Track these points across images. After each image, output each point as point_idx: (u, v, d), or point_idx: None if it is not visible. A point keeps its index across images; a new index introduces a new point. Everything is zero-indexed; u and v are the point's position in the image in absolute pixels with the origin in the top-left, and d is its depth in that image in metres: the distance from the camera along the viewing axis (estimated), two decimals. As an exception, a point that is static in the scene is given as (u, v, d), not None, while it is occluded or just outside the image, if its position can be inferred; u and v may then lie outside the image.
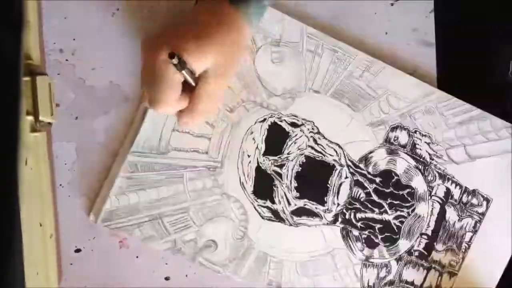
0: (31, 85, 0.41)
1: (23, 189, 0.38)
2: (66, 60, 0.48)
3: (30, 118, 0.41)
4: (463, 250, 0.54)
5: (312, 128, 0.51)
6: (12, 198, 0.36)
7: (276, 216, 0.51)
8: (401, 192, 0.52)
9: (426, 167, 0.52)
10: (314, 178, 0.51)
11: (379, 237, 0.52)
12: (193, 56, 0.41)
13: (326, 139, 0.51)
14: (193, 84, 0.43)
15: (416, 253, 0.53)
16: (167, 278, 0.50)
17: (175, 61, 0.39)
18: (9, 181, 0.36)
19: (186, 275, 0.50)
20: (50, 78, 0.45)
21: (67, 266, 0.49)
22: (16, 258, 0.37)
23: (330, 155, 0.51)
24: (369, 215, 0.52)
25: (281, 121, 0.51)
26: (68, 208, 0.49)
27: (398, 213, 0.52)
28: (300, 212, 0.51)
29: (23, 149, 0.39)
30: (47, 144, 0.46)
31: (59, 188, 0.49)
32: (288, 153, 0.51)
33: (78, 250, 0.49)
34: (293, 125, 0.51)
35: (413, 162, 0.52)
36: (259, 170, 0.51)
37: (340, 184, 0.52)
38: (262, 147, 0.51)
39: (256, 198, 0.51)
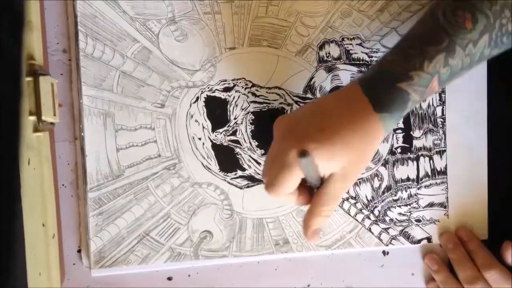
0: (34, 85, 0.41)
1: (26, 189, 0.38)
2: (69, 60, 0.48)
3: (33, 118, 0.41)
4: (441, 125, 0.53)
5: (246, 84, 0.50)
6: (14, 198, 0.36)
7: (252, 180, 0.50)
8: (357, 102, 0.51)
9: (369, 67, 0.51)
10: (270, 129, 0.50)
11: (357, 152, 0.52)
12: (325, 159, 0.40)
13: (263, 87, 0.50)
14: (316, 185, 0.42)
15: (399, 150, 0.52)
16: (169, 278, 0.50)
17: (307, 160, 0.38)
18: (10, 181, 0.36)
19: (189, 275, 0.50)
20: (53, 79, 0.45)
21: (70, 266, 0.49)
22: (18, 258, 0.37)
23: (274, 100, 0.50)
24: (338, 137, 0.51)
25: (213, 92, 0.50)
26: (70, 208, 0.49)
27: (364, 121, 0.51)
28: (272, 166, 0.51)
29: (26, 149, 0.40)
30: (49, 144, 0.46)
31: (61, 188, 0.49)
32: (234, 118, 0.50)
33: (80, 250, 0.49)
34: (226, 90, 0.50)
35: (355, 68, 0.51)
36: (215, 147, 0.50)
37: (297, 122, 0.51)
38: (208, 124, 0.50)
39: (226, 173, 0.50)
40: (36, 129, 0.42)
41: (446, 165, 0.53)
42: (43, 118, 0.42)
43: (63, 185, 0.49)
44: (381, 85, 0.41)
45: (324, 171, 0.41)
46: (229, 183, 0.50)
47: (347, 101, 0.42)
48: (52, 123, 0.46)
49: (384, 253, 0.53)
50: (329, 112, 0.42)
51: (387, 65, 0.42)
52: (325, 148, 0.39)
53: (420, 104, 0.52)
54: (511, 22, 0.41)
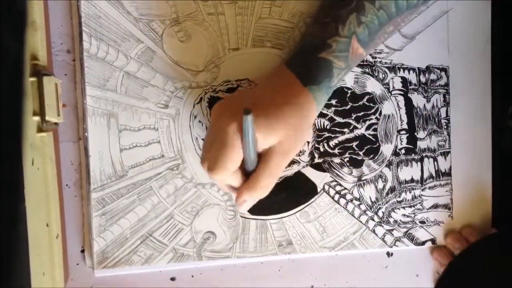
0: (38, 85, 0.41)
1: (30, 189, 0.38)
2: (73, 60, 0.48)
3: (37, 118, 0.41)
4: (445, 126, 0.53)
5: (249, 85, 0.50)
6: (17, 198, 0.36)
7: (256, 181, 0.50)
8: (361, 102, 0.51)
9: (373, 67, 0.51)
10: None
11: (361, 153, 0.52)
12: (262, 133, 0.40)
13: (267, 88, 0.50)
14: (252, 166, 0.42)
15: (403, 151, 0.52)
16: (172, 279, 0.50)
17: (249, 118, 0.37)
18: (14, 181, 0.36)
19: (192, 276, 0.50)
20: (57, 79, 0.45)
21: (74, 266, 0.49)
22: (21, 258, 0.37)
23: (278, 101, 0.50)
24: (341, 138, 0.51)
25: (216, 92, 0.50)
26: (74, 209, 0.49)
27: (368, 122, 0.51)
28: (276, 167, 0.50)
29: (30, 149, 0.40)
30: (53, 144, 0.46)
31: (65, 188, 0.49)
32: (238, 119, 0.50)
33: (84, 251, 0.49)
34: (230, 90, 0.50)
35: (358, 69, 0.51)
36: (219, 147, 0.50)
37: (301, 123, 0.50)
38: (211, 125, 0.49)
39: (229, 174, 0.50)
40: (40, 129, 0.42)
41: (450, 166, 0.53)
42: (47, 118, 0.42)
43: (67, 185, 0.49)
44: (304, 59, 0.42)
45: (262, 145, 0.41)
46: (232, 183, 0.50)
47: (276, 80, 0.43)
48: (56, 123, 0.46)
49: (388, 254, 0.53)
50: (261, 91, 0.43)
51: (306, 38, 0.43)
52: (261, 119, 0.39)
53: (424, 105, 0.52)
54: None
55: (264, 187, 0.42)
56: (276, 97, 0.42)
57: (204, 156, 0.42)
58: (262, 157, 0.42)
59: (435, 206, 0.53)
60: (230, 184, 0.43)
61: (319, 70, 0.42)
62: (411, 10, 0.43)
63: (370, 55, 0.51)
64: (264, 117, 0.40)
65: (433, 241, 0.53)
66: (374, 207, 0.52)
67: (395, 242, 0.52)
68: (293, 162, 0.51)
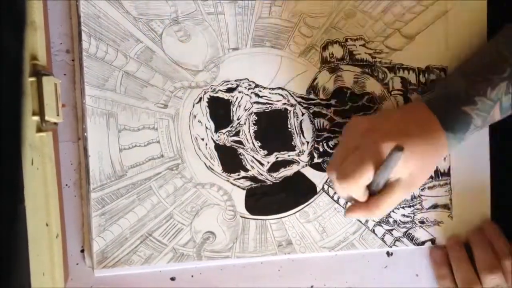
0: (37, 85, 0.41)
1: (29, 189, 0.38)
2: (72, 60, 0.48)
3: (36, 118, 0.41)
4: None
5: (249, 85, 0.50)
6: (17, 198, 0.36)
7: (256, 181, 0.50)
8: (360, 103, 0.51)
9: (373, 67, 0.51)
10: (273, 129, 0.50)
11: (360, 153, 0.52)
12: (401, 162, 0.41)
13: (266, 88, 0.50)
14: (377, 189, 0.43)
15: (402, 151, 0.52)
16: (172, 279, 0.50)
17: (398, 155, 0.40)
18: (13, 181, 0.36)
19: (192, 276, 0.50)
20: (56, 79, 0.45)
21: (74, 266, 0.49)
22: (21, 258, 0.37)
23: (277, 101, 0.50)
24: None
25: (216, 92, 0.49)
26: (74, 208, 0.49)
27: (367, 122, 0.51)
28: (276, 167, 0.50)
29: (29, 149, 0.40)
30: (53, 144, 0.46)
31: (65, 188, 0.49)
32: (238, 119, 0.50)
33: (84, 250, 0.49)
34: (230, 90, 0.50)
35: (358, 69, 0.51)
36: (218, 147, 0.50)
37: (300, 123, 0.50)
38: (211, 125, 0.49)
39: (229, 174, 0.50)
40: (39, 129, 0.42)
41: (449, 166, 0.53)
42: (46, 118, 0.42)
43: (66, 185, 0.49)
44: (448, 106, 0.45)
45: (395, 174, 0.43)
46: (232, 183, 0.50)
47: (418, 116, 0.45)
48: (55, 123, 0.46)
49: (388, 254, 0.53)
50: (404, 122, 0.45)
51: (452, 88, 0.45)
52: (406, 151, 0.41)
53: (424, 105, 0.52)
54: None
55: (380, 213, 0.44)
56: (418, 133, 0.44)
57: (336, 163, 0.44)
58: (388, 184, 0.43)
59: (435, 206, 0.53)
60: (351, 195, 0.44)
61: (460, 121, 0.44)
62: None
63: (370, 55, 0.51)
64: (409, 149, 0.42)
65: (432, 241, 0.53)
66: (373, 207, 0.52)
67: (394, 242, 0.52)
68: (292, 162, 0.51)
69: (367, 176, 0.41)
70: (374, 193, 0.44)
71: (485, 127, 0.49)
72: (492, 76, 0.44)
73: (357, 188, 0.42)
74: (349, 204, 0.46)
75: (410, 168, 0.43)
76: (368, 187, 0.43)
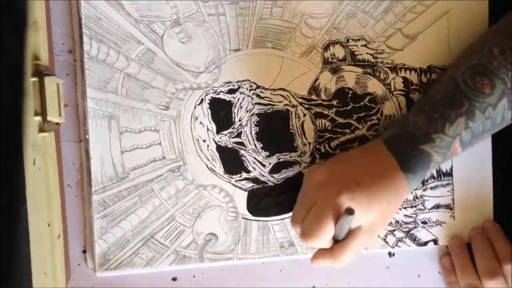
0: (39, 85, 0.41)
1: (31, 189, 0.38)
2: (74, 60, 0.48)
3: (38, 118, 0.41)
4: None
5: (250, 86, 0.50)
6: (18, 198, 0.36)
7: (258, 182, 0.50)
8: (362, 103, 0.51)
9: (375, 68, 0.51)
10: (275, 131, 0.50)
11: (362, 154, 0.51)
12: (360, 212, 0.42)
13: (268, 89, 0.50)
14: (341, 237, 0.43)
15: (404, 151, 0.52)
16: (174, 279, 0.50)
17: (350, 218, 0.40)
18: (15, 181, 0.36)
19: (194, 276, 0.50)
20: (58, 79, 0.45)
21: (75, 266, 0.49)
22: (23, 258, 0.37)
23: (279, 102, 0.50)
24: (343, 138, 0.51)
25: (217, 94, 0.49)
26: (76, 209, 0.49)
27: (369, 123, 0.51)
28: (277, 168, 0.50)
29: (31, 149, 0.40)
30: (55, 145, 0.46)
31: (67, 188, 0.48)
32: (239, 120, 0.50)
33: (85, 251, 0.49)
34: (231, 91, 0.50)
35: (360, 70, 0.51)
36: (220, 149, 0.50)
37: (302, 124, 0.50)
38: (213, 126, 0.49)
39: (230, 176, 0.50)
40: (41, 129, 0.42)
41: (451, 166, 0.53)
42: (49, 118, 0.42)
43: (68, 185, 0.48)
44: (406, 146, 0.44)
45: (355, 223, 0.42)
46: (234, 185, 0.50)
47: (377, 159, 0.44)
48: (57, 123, 0.46)
49: (390, 254, 0.53)
50: (363, 167, 0.44)
51: (410, 126, 0.45)
52: (361, 200, 0.42)
53: (426, 105, 0.52)
54: None
55: (345, 260, 0.44)
56: (376, 178, 0.43)
57: (298, 218, 0.44)
58: (350, 233, 0.43)
59: (437, 207, 0.52)
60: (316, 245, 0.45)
61: (419, 161, 0.44)
62: (509, 122, 0.45)
63: (372, 55, 0.51)
64: (366, 198, 0.42)
65: (435, 241, 0.53)
66: (375, 207, 0.52)
67: (397, 242, 0.52)
68: (294, 163, 0.51)
69: (327, 232, 0.42)
70: (338, 239, 0.44)
71: (447, 161, 0.49)
72: (449, 112, 0.43)
73: (320, 243, 0.43)
74: (314, 250, 0.46)
75: (370, 215, 0.43)
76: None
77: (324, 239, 0.42)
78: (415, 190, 0.52)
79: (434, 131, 0.43)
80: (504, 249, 0.50)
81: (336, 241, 0.44)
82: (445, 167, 0.53)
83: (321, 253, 0.45)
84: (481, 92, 0.43)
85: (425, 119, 0.44)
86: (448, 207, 0.53)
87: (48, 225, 0.43)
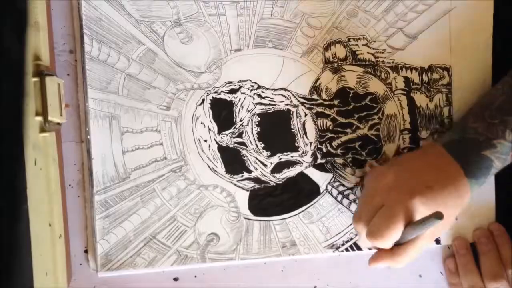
0: (40, 85, 0.41)
1: (32, 189, 0.38)
2: (75, 60, 0.48)
3: (39, 118, 0.41)
4: (448, 126, 0.52)
5: (252, 86, 0.50)
6: (19, 198, 0.36)
7: (259, 182, 0.50)
8: (363, 102, 0.51)
9: (376, 67, 0.51)
10: (276, 130, 0.50)
11: (364, 153, 0.51)
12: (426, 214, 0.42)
13: (269, 89, 0.50)
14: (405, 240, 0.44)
15: (405, 151, 0.52)
16: (176, 279, 0.50)
17: (437, 222, 0.40)
18: (15, 181, 0.36)
19: (195, 276, 0.50)
20: (60, 79, 0.45)
21: (77, 266, 0.49)
22: (24, 258, 0.37)
23: (280, 101, 0.50)
24: (344, 138, 0.51)
25: (218, 94, 0.49)
26: (77, 209, 0.49)
27: (370, 122, 0.51)
28: (279, 168, 0.50)
29: (32, 150, 0.40)
30: (56, 145, 0.46)
31: (68, 188, 0.48)
32: (240, 120, 0.50)
33: (87, 251, 0.49)
34: (232, 91, 0.50)
35: (361, 69, 0.51)
36: (221, 149, 0.50)
37: (303, 124, 0.50)
38: (214, 126, 0.49)
39: (232, 176, 0.50)
40: (42, 130, 0.42)
41: (453, 165, 0.52)
42: (50, 118, 0.42)
43: (70, 185, 0.49)
44: (468, 152, 0.44)
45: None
46: (235, 185, 0.50)
47: (441, 163, 0.45)
48: (58, 124, 0.46)
49: (392, 254, 0.53)
50: (430, 172, 0.44)
51: (470, 132, 0.45)
52: (432, 205, 0.42)
53: (427, 105, 0.52)
54: None
55: (403, 263, 0.44)
56: (445, 183, 0.43)
57: (364, 218, 0.44)
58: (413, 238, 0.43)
59: (439, 206, 0.52)
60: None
61: (481, 167, 0.44)
62: None
63: (373, 54, 0.51)
64: (435, 202, 0.42)
65: (437, 241, 0.53)
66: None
67: (398, 242, 0.52)
68: (295, 163, 0.50)
69: (396, 234, 0.42)
70: (399, 243, 0.44)
71: (505, 166, 0.48)
72: (509, 117, 0.44)
73: (386, 244, 0.43)
74: (373, 250, 0.46)
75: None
76: None
77: (391, 240, 0.42)
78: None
79: (495, 137, 0.44)
80: (508, 253, 0.50)
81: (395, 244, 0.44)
82: (446, 166, 0.52)
83: (381, 254, 0.45)
84: None
85: (486, 125, 0.45)
86: (450, 206, 0.53)
87: (49, 225, 0.43)
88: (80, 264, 0.49)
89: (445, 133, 0.50)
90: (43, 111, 0.41)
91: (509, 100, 0.45)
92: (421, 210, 0.42)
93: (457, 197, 0.44)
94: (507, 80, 0.47)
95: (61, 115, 0.45)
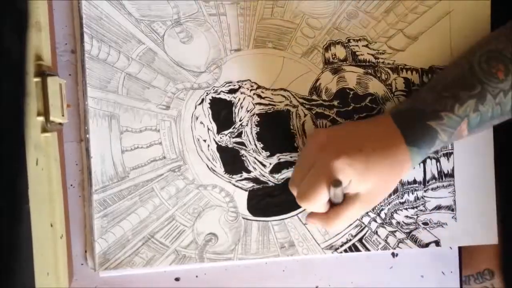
0: (42, 85, 0.41)
1: (34, 189, 0.38)
2: (77, 60, 0.48)
3: (41, 118, 0.41)
4: (448, 128, 0.52)
5: (251, 86, 0.50)
6: (20, 198, 0.36)
7: (258, 182, 0.50)
8: (363, 103, 0.51)
9: (376, 68, 0.51)
10: (275, 131, 0.50)
11: (363, 154, 0.51)
12: (357, 179, 0.42)
13: (269, 89, 0.50)
14: (338, 202, 0.44)
15: (405, 152, 0.52)
16: (177, 279, 0.50)
17: (339, 189, 0.41)
18: (17, 181, 0.36)
19: (196, 276, 0.50)
20: (61, 79, 0.45)
21: (78, 266, 0.49)
22: (25, 258, 0.37)
23: (280, 102, 0.50)
24: (344, 139, 0.51)
25: (218, 93, 0.49)
26: (79, 209, 0.49)
27: (370, 123, 0.51)
28: (278, 168, 0.50)
29: (34, 150, 0.40)
30: (58, 145, 0.46)
31: (70, 188, 0.48)
32: (240, 120, 0.50)
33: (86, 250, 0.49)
34: (232, 91, 0.50)
35: (361, 70, 0.51)
36: (221, 149, 0.49)
37: (303, 124, 0.50)
38: (213, 126, 0.49)
39: (231, 176, 0.50)
40: (44, 130, 0.42)
41: (453, 167, 0.52)
42: (51, 118, 0.42)
43: (71, 185, 0.49)
44: (413, 120, 0.44)
45: (352, 190, 0.43)
46: (234, 185, 0.50)
47: (382, 130, 0.45)
48: (60, 124, 0.46)
49: (393, 255, 0.53)
50: (366, 136, 0.44)
51: (419, 102, 0.45)
52: (359, 166, 0.42)
53: (427, 106, 0.52)
54: None
55: (338, 226, 0.45)
56: (378, 147, 0.43)
57: (296, 179, 0.45)
58: (347, 199, 0.44)
59: (438, 208, 0.52)
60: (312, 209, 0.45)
61: (425, 136, 0.44)
62: None
63: (373, 55, 0.51)
64: (364, 165, 0.42)
65: (437, 243, 0.52)
66: (376, 208, 0.52)
67: (398, 243, 0.52)
68: (294, 163, 0.50)
69: (322, 196, 0.42)
70: (335, 204, 0.44)
71: (452, 142, 0.49)
72: (461, 92, 0.43)
73: (315, 206, 0.43)
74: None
75: (368, 183, 0.43)
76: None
77: (318, 203, 0.43)
78: (416, 191, 0.52)
79: (443, 109, 0.44)
80: None
81: (333, 204, 0.44)
82: (446, 168, 0.52)
83: (316, 214, 0.45)
84: (495, 77, 0.43)
85: (436, 96, 0.44)
86: (450, 208, 0.52)
87: (51, 225, 0.43)
88: (82, 264, 0.49)
89: (398, 104, 0.50)
90: (45, 111, 0.42)
91: (464, 75, 0.44)
92: (347, 171, 0.41)
93: (395, 163, 0.43)
94: (464, 56, 0.46)
95: (62, 115, 0.45)
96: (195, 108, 0.49)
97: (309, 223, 0.46)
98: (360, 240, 0.51)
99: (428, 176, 0.52)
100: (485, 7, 0.51)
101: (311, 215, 0.46)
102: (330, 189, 0.41)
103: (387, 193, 0.46)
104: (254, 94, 0.50)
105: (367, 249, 0.52)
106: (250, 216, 0.50)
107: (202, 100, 0.49)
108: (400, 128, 0.44)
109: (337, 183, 0.40)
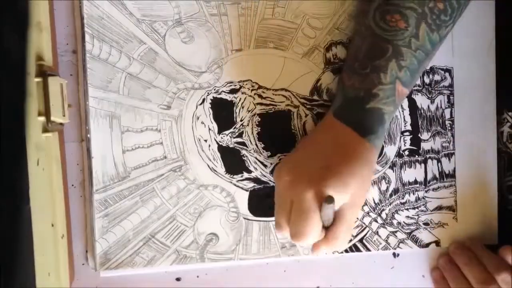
0: (43, 86, 0.41)
1: (35, 189, 0.38)
2: (78, 61, 0.48)
3: (42, 118, 0.41)
4: (449, 128, 0.52)
5: (252, 86, 0.50)
6: (21, 199, 0.36)
7: (259, 182, 0.50)
8: (364, 104, 0.51)
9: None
10: (276, 131, 0.50)
11: (364, 154, 0.51)
12: (338, 194, 0.41)
13: (270, 89, 0.50)
14: (329, 223, 0.43)
15: (406, 152, 0.52)
16: (178, 279, 0.50)
17: (332, 206, 0.40)
18: (18, 181, 0.36)
19: (197, 276, 0.50)
20: (62, 79, 0.45)
21: (79, 266, 0.49)
22: (25, 258, 0.37)
23: (281, 102, 0.50)
24: (345, 139, 0.51)
25: (219, 93, 0.49)
26: (80, 209, 0.49)
27: (371, 124, 0.51)
28: (279, 168, 0.50)
29: (35, 150, 0.40)
30: (59, 145, 0.46)
31: (71, 188, 0.48)
32: (241, 120, 0.50)
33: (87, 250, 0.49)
34: (233, 91, 0.50)
35: (362, 70, 0.51)
36: (221, 149, 0.49)
37: (304, 124, 0.50)
38: (214, 126, 0.49)
39: (232, 176, 0.50)
40: (45, 130, 0.42)
41: (454, 168, 0.52)
42: (52, 118, 0.42)
43: (72, 185, 0.49)
44: (355, 112, 0.43)
45: (337, 205, 0.42)
46: (235, 185, 0.50)
47: (333, 135, 0.44)
48: (61, 124, 0.46)
49: (395, 255, 0.53)
50: (324, 149, 0.43)
51: (349, 90, 0.44)
52: (337, 183, 0.41)
53: (428, 106, 0.52)
54: (437, 1, 0.41)
55: (342, 241, 0.44)
56: (342, 156, 0.42)
57: (282, 223, 0.44)
58: (337, 214, 0.43)
59: (439, 208, 0.52)
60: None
61: (373, 120, 0.43)
62: (443, 40, 0.44)
63: (374, 56, 0.50)
64: (338, 178, 0.41)
65: (437, 243, 0.52)
66: (377, 208, 0.52)
67: (399, 244, 0.52)
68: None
69: (316, 226, 0.41)
70: (328, 226, 0.43)
71: (402, 102, 0.47)
72: (378, 61, 0.42)
73: (313, 238, 0.42)
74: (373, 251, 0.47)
75: (351, 191, 0.42)
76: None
77: (315, 234, 0.42)
78: (417, 191, 0.52)
79: (373, 86, 0.42)
80: (492, 261, 0.48)
81: (326, 227, 0.43)
82: (447, 168, 0.52)
83: (317, 244, 0.44)
84: (397, 29, 0.42)
85: (360, 78, 0.43)
86: (451, 208, 0.52)
87: (52, 225, 0.43)
88: (83, 264, 0.49)
89: (332, 102, 0.48)
90: (46, 111, 0.41)
91: (371, 44, 0.43)
92: (328, 191, 0.41)
93: (362, 160, 0.42)
94: (360, 22, 0.45)
95: (63, 115, 0.45)
96: (196, 108, 0.49)
97: (319, 254, 0.45)
98: (361, 241, 0.51)
99: (429, 177, 0.52)
100: (487, 6, 0.51)
101: (315, 246, 0.44)
102: (322, 212, 0.41)
103: (367, 188, 0.45)
104: (255, 94, 0.50)
105: (368, 250, 0.52)
106: (251, 216, 0.50)
107: (203, 100, 0.49)
108: (348, 124, 0.43)
109: (329, 199, 0.40)
